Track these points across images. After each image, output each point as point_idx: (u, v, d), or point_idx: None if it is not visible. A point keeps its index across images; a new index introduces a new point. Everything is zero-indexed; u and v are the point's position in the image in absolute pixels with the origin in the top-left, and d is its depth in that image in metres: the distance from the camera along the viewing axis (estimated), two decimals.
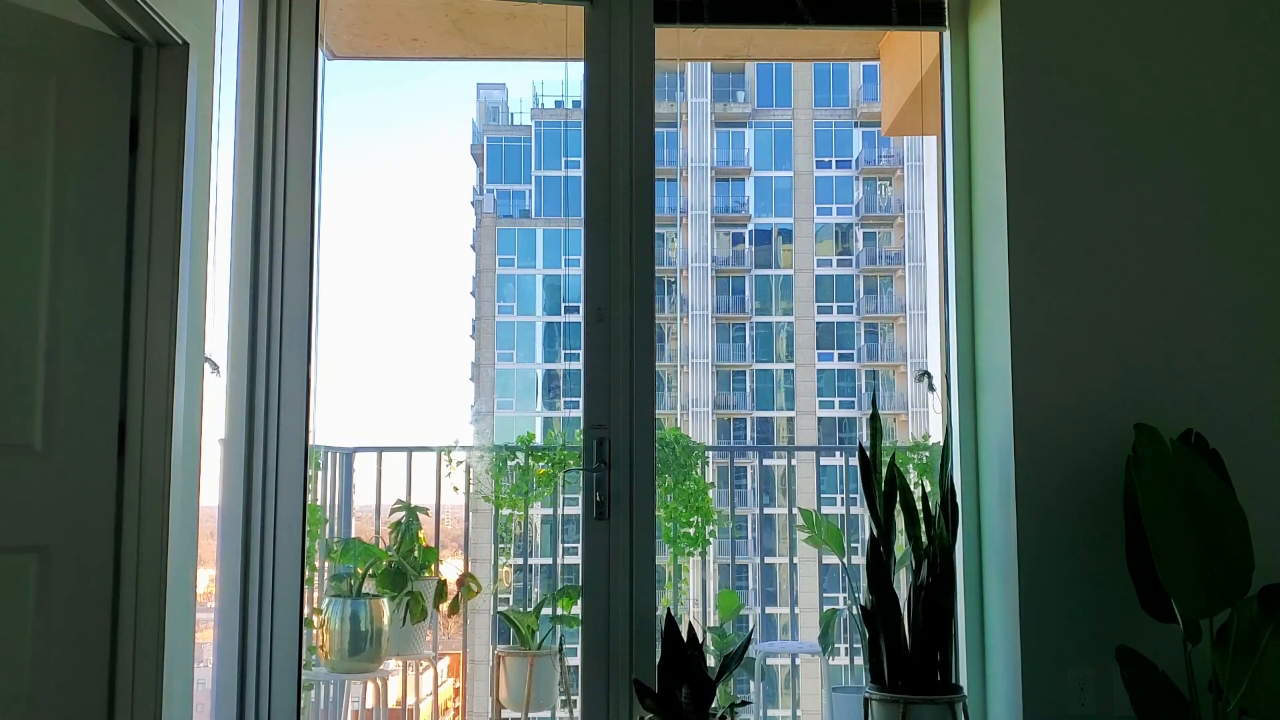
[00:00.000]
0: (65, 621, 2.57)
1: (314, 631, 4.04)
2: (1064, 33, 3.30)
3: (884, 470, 3.21)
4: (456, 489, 4.61)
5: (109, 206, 2.67)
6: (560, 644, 4.36)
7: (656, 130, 3.44)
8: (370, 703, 4.45)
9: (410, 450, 4.61)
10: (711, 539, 4.91)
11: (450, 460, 4.60)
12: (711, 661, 3.56)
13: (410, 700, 4.62)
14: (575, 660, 3.64)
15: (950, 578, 3.13)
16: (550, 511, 5.07)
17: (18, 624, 2.49)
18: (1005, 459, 3.21)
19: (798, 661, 4.80)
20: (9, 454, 2.49)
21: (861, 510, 3.52)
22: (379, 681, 4.20)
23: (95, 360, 2.62)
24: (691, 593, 5.07)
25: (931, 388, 3.61)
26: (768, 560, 5.20)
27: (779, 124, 33.07)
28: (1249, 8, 3.32)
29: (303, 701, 3.35)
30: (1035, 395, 3.18)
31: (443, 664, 5.00)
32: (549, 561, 5.50)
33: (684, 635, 3.12)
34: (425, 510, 4.43)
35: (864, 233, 32.90)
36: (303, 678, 3.32)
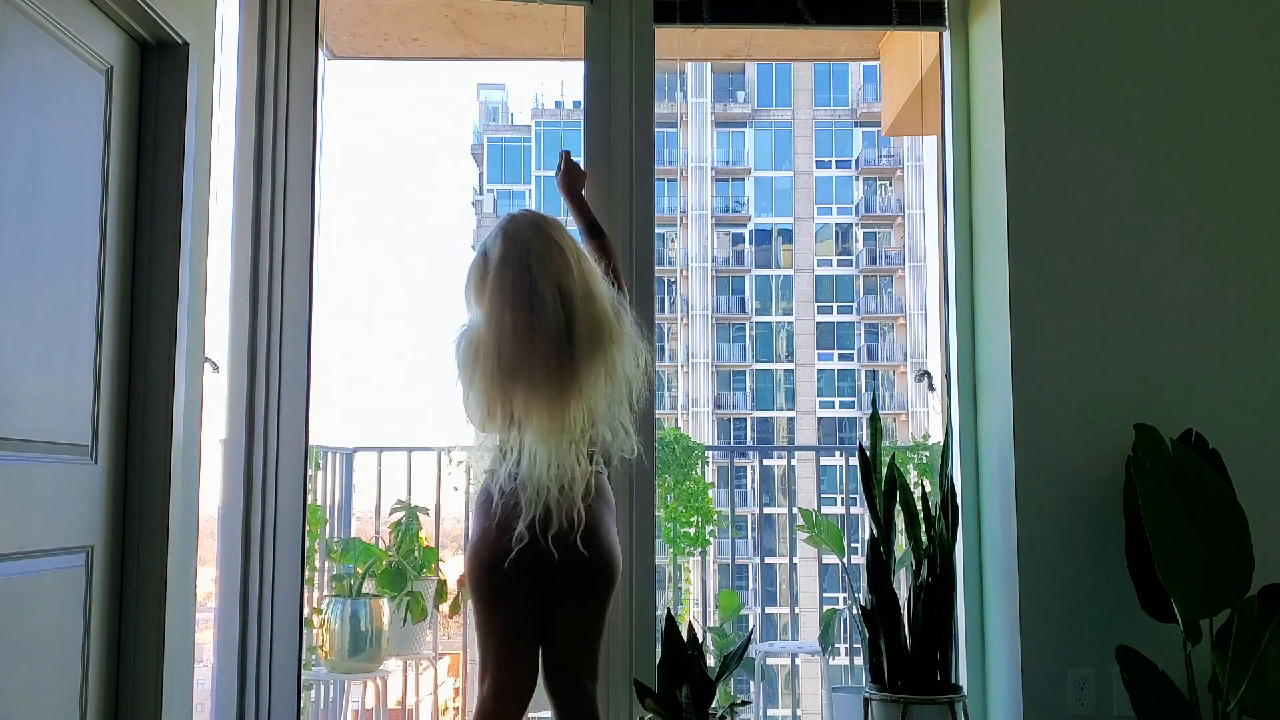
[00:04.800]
0: (105, 621, 2.60)
1: (314, 631, 4.04)
2: (1064, 33, 3.30)
3: (884, 470, 3.21)
4: (456, 489, 4.61)
5: (109, 206, 2.66)
6: None
7: (656, 130, 3.43)
8: (370, 703, 4.45)
9: (410, 450, 4.61)
10: (711, 539, 4.91)
11: (450, 460, 4.59)
12: (711, 661, 3.56)
13: (410, 700, 4.62)
14: None
15: (950, 578, 3.13)
16: None
17: (71, 625, 2.52)
18: (1005, 459, 3.21)
19: (798, 661, 4.80)
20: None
21: (861, 510, 3.52)
22: (379, 681, 4.20)
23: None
24: (692, 593, 5.07)
25: (931, 388, 3.61)
26: (768, 560, 5.21)
27: (779, 124, 33.14)
28: (1249, 8, 3.32)
29: (303, 701, 3.35)
30: (1035, 395, 3.18)
31: (443, 664, 5.00)
32: None
33: (684, 635, 3.11)
34: (425, 510, 4.43)
35: (864, 233, 32.96)
36: (303, 678, 3.31)
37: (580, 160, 3.41)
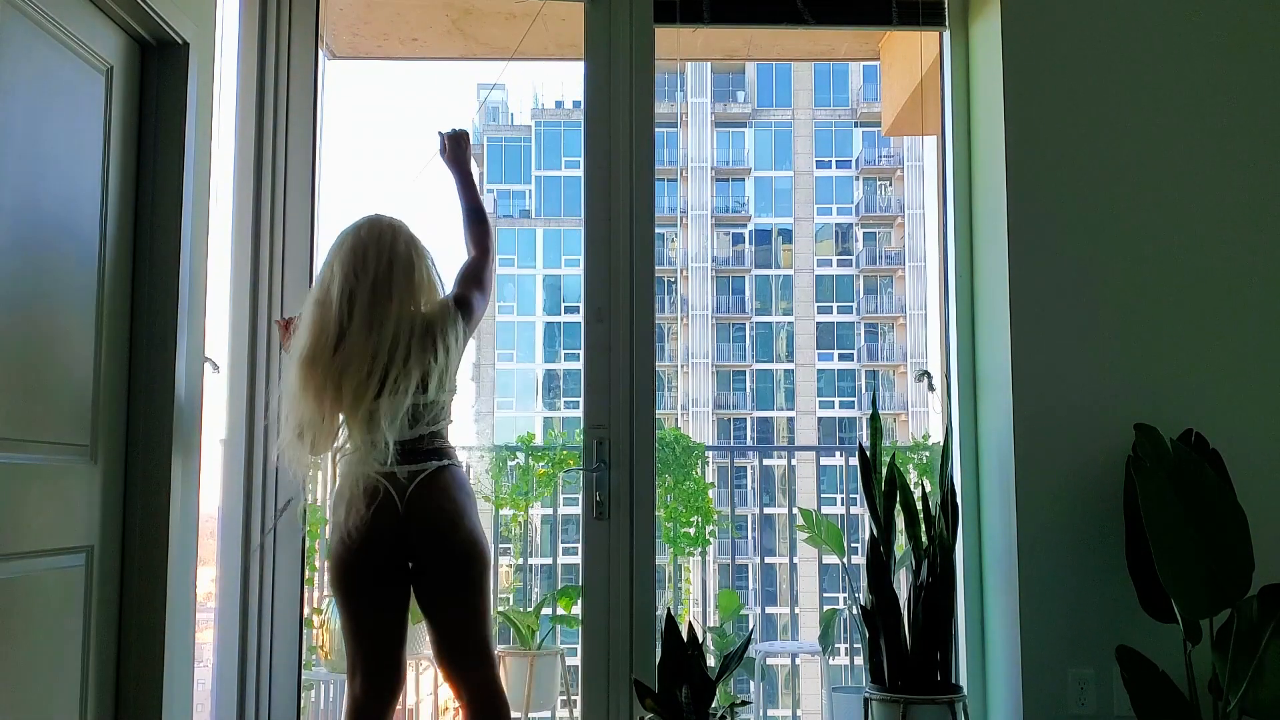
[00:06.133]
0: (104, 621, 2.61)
1: (314, 631, 4.03)
2: (1064, 33, 3.30)
3: (884, 470, 3.21)
4: None
5: (109, 206, 2.67)
6: (559, 644, 4.36)
7: (656, 130, 3.43)
8: None
9: None
10: (711, 539, 4.92)
11: None
12: (711, 661, 3.56)
13: (410, 700, 4.62)
14: (575, 660, 3.64)
15: (950, 578, 3.13)
16: (550, 511, 5.08)
17: (71, 625, 2.52)
18: (1005, 459, 3.21)
19: (798, 661, 4.80)
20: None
21: (861, 510, 3.52)
22: None
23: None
24: (692, 593, 5.07)
25: (931, 388, 3.61)
26: (768, 560, 5.21)
27: (779, 124, 33.13)
28: (1250, 9, 3.32)
29: (303, 701, 3.35)
30: (1035, 395, 3.18)
31: None
32: (549, 561, 5.51)
33: (684, 635, 3.11)
34: None
35: (864, 233, 32.95)
36: (303, 678, 3.32)
37: (580, 160, 3.41)
